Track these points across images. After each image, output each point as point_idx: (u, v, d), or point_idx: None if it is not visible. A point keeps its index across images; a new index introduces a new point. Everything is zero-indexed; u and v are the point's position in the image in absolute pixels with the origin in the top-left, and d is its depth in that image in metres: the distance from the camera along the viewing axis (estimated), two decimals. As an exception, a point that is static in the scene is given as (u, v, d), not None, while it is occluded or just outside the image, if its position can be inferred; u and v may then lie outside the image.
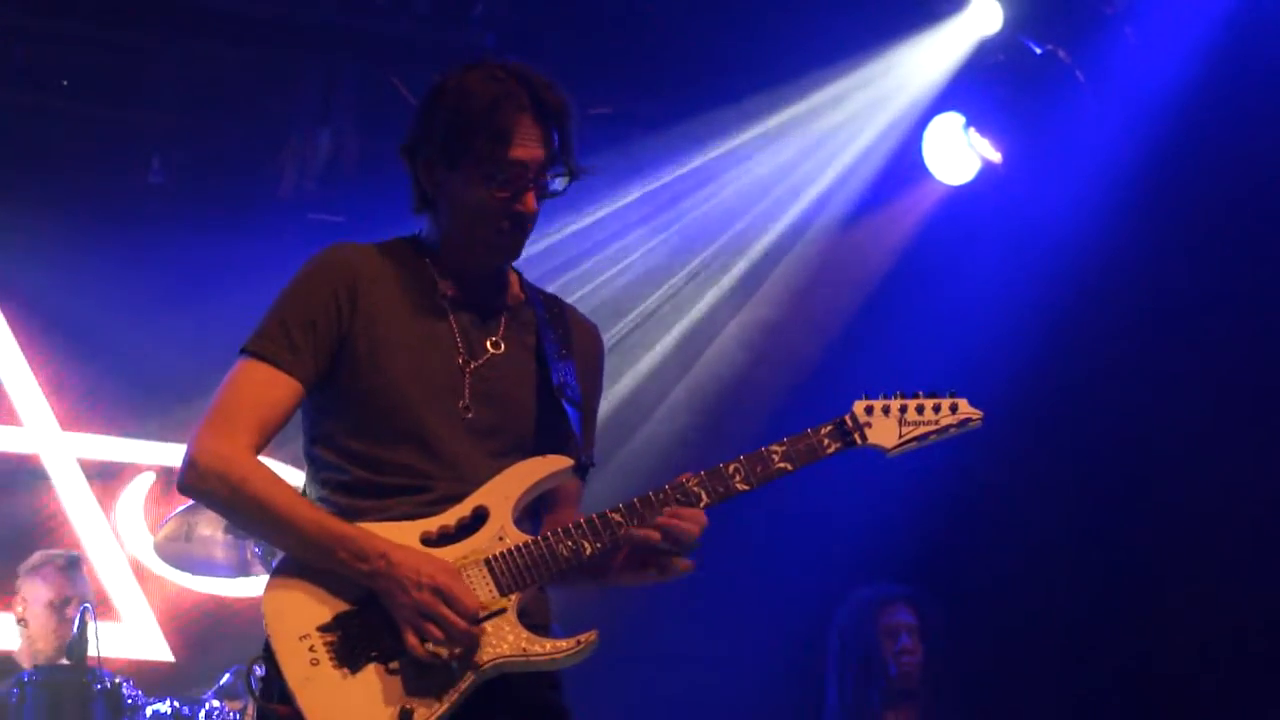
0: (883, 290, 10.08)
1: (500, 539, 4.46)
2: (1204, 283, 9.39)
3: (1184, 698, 9.46)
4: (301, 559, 4.43)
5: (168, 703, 8.30)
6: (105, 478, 9.84)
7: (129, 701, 8.26)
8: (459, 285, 4.63)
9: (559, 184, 4.58)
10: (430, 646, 4.30)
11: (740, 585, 9.60)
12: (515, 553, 4.44)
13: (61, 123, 9.51)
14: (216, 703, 8.17)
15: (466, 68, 4.59)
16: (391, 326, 4.54)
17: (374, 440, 4.49)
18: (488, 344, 4.62)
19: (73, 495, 9.77)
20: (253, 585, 7.96)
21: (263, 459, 4.50)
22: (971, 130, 9.60)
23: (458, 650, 4.32)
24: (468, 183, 4.51)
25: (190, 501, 6.75)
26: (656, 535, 4.47)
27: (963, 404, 4.71)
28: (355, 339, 4.51)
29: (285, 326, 4.50)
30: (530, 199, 4.54)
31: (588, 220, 9.76)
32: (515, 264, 4.75)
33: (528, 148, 4.48)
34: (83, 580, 8.70)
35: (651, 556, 4.56)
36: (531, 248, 4.75)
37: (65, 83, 9.44)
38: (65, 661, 8.38)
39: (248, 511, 4.47)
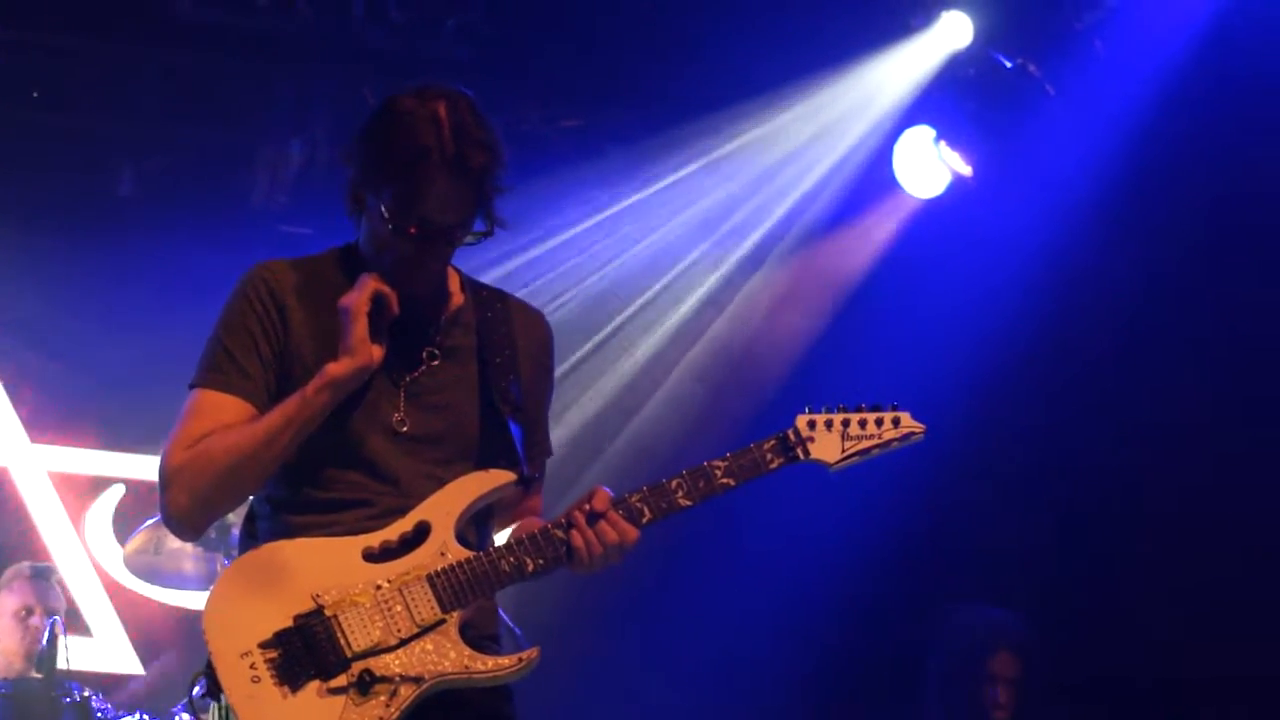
0: (854, 304, 10.10)
1: (442, 555, 4.45)
2: (1173, 294, 9.43)
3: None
4: (291, 444, 4.44)
5: (137, 716, 8.28)
6: (75, 490, 9.80)
7: (98, 715, 8.24)
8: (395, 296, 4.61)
9: (472, 239, 4.57)
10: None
11: (723, 590, 9.61)
12: (457, 568, 4.44)
13: (31, 133, 9.46)
14: (186, 716, 8.14)
15: (413, 95, 4.51)
16: (320, 344, 4.50)
17: (315, 459, 4.48)
18: (424, 355, 4.61)
19: (42, 508, 9.73)
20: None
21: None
22: (942, 143, 9.61)
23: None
24: (380, 218, 4.49)
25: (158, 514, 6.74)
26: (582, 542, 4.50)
27: (905, 417, 4.72)
28: (288, 359, 4.50)
29: (230, 353, 4.50)
30: (432, 257, 4.54)
31: (559, 238, 9.74)
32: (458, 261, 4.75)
33: (438, 207, 4.44)
34: (53, 591, 8.68)
35: None
36: (498, 262, 4.75)
37: (35, 94, 9.40)
38: (35, 674, 8.35)
39: (220, 458, 4.44)
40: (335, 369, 4.40)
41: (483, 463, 4.56)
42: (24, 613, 8.53)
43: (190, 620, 9.23)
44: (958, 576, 9.92)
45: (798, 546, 9.58)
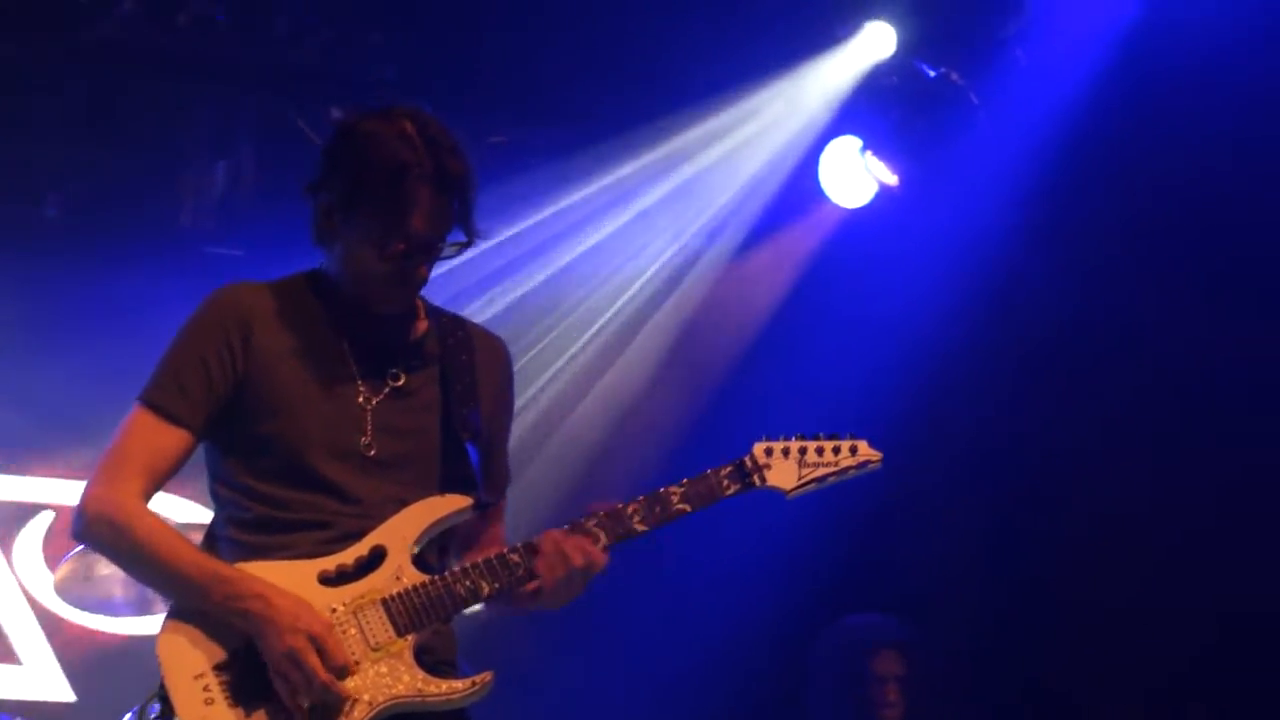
0: (781, 315, 10.11)
1: (398, 579, 4.47)
2: (1099, 301, 9.50)
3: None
4: (183, 603, 4.42)
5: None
6: (1, 518, 9.72)
7: (30, 745, 8.18)
8: (359, 321, 4.62)
9: (452, 250, 4.58)
10: (294, 697, 4.29)
11: (667, 611, 9.61)
12: (412, 593, 4.46)
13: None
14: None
15: (376, 116, 4.56)
16: (288, 368, 4.53)
17: (275, 480, 4.49)
18: (389, 379, 4.61)
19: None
20: (154, 624, 7.88)
21: (172, 496, 4.52)
22: (868, 153, 9.64)
23: (321, 702, 4.30)
24: (362, 240, 4.51)
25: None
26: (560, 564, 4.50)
27: (862, 445, 4.78)
28: (251, 383, 4.52)
29: (177, 374, 4.52)
30: (420, 270, 4.55)
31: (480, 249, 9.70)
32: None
33: (424, 221, 4.47)
34: None
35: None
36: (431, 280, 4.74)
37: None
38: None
39: (132, 555, 4.53)
40: (273, 608, 4.34)
41: (444, 488, 4.58)
42: None
43: (121, 645, 9.19)
44: (880, 590, 9.93)
45: (724, 565, 9.57)
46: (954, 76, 9.35)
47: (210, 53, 9.34)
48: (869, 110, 9.57)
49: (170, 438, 4.51)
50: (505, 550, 4.55)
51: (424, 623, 4.46)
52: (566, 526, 4.58)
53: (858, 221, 9.87)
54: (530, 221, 9.76)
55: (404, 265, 4.51)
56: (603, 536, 4.56)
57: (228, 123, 9.76)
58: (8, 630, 9.47)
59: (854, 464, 4.77)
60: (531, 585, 4.55)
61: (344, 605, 4.42)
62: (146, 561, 4.50)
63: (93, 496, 4.51)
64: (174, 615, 4.47)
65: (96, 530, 4.51)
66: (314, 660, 4.30)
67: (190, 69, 9.42)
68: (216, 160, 9.78)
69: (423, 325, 4.74)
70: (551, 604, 4.59)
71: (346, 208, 4.53)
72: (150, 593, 7.57)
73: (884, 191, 9.70)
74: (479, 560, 4.52)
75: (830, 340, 9.64)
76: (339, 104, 9.38)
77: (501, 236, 9.57)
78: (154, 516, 4.50)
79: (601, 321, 10.21)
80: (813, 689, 9.06)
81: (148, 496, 4.52)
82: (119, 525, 4.46)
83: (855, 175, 9.72)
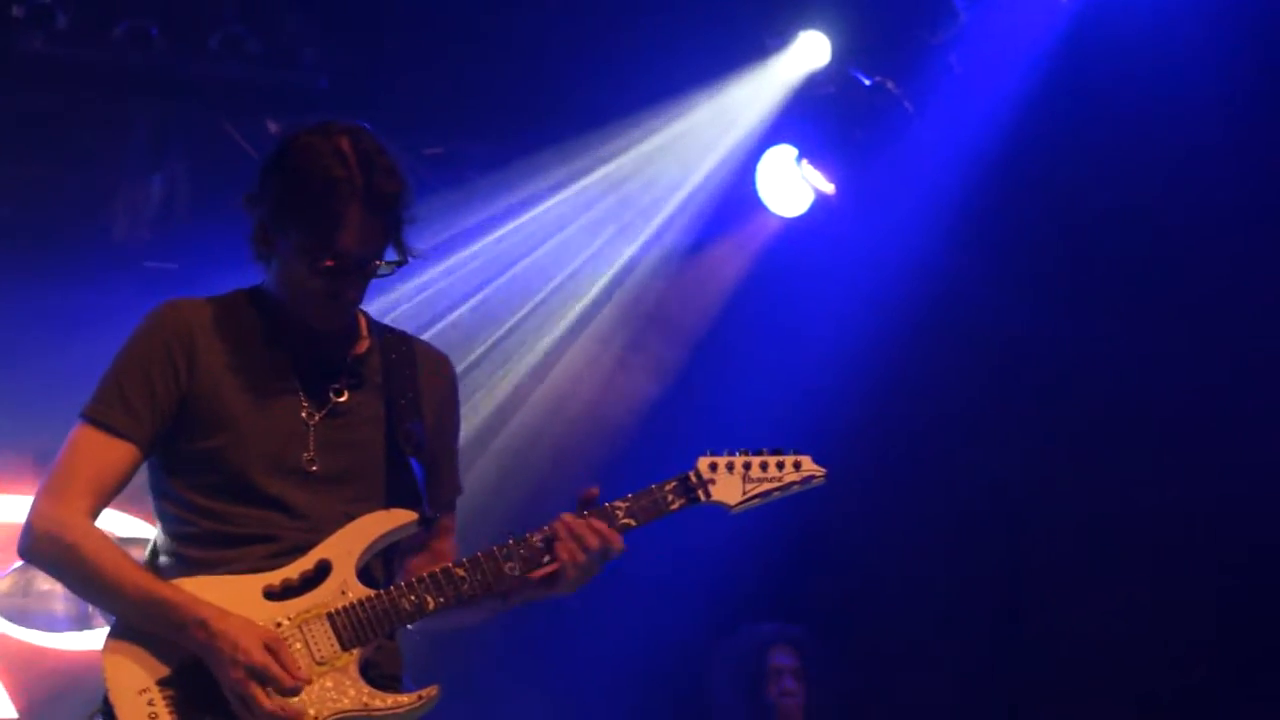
0: (720, 325, 10.13)
1: (343, 593, 4.47)
2: (1036, 306, 9.55)
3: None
4: (128, 624, 4.41)
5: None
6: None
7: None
8: (300, 338, 4.61)
9: (386, 269, 4.57)
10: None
11: (609, 624, 9.60)
12: (358, 607, 4.45)
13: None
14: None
15: (312, 132, 4.55)
16: (231, 384, 4.52)
17: (219, 496, 4.49)
18: (331, 395, 4.61)
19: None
20: (96, 639, 7.86)
21: (118, 512, 4.51)
22: (804, 162, 9.67)
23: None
24: (294, 256, 4.50)
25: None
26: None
27: (806, 461, 4.80)
28: (195, 399, 4.51)
29: (121, 389, 4.51)
30: (349, 288, 4.54)
31: (425, 269, 9.70)
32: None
33: (354, 238, 4.47)
34: None
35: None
36: (368, 293, 4.74)
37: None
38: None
39: (76, 575, 4.51)
40: (216, 636, 4.33)
41: (389, 503, 4.57)
42: None
43: (62, 660, 9.15)
44: (814, 600, 9.97)
45: (663, 578, 9.57)
46: (889, 85, 9.39)
47: (144, 66, 9.29)
48: (805, 119, 9.59)
49: (116, 453, 4.50)
50: (451, 564, 4.54)
51: (369, 637, 4.45)
52: (510, 542, 4.58)
53: (795, 230, 9.89)
54: (465, 232, 9.75)
55: (335, 282, 4.50)
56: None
57: (162, 136, 9.72)
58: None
59: (798, 479, 4.79)
60: (541, 571, 4.57)
61: (289, 620, 4.41)
62: (91, 582, 4.48)
63: (39, 514, 4.49)
64: (118, 630, 4.45)
65: (43, 548, 4.49)
66: (258, 694, 4.29)
67: (122, 83, 9.37)
68: (152, 174, 9.74)
69: (365, 342, 4.73)
70: (568, 588, 4.61)
71: (279, 223, 4.52)
72: (91, 609, 7.57)
73: (821, 200, 9.72)
74: (424, 574, 4.52)
75: (770, 348, 9.68)
76: (274, 117, 9.39)
77: (437, 245, 9.56)
78: (100, 535, 4.48)
79: (540, 332, 10.21)
80: (714, 688, 9.15)
81: (95, 514, 4.50)
82: (65, 544, 4.44)
83: (792, 184, 9.74)
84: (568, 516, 4.58)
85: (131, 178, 9.77)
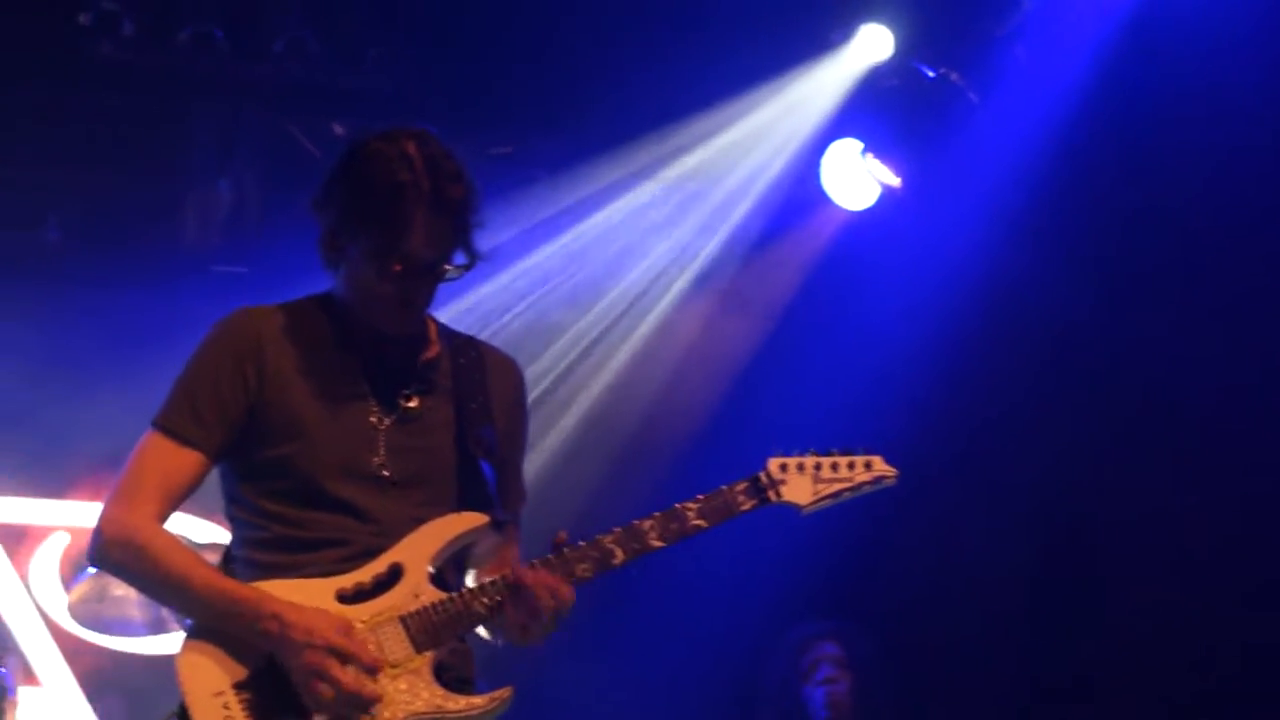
0: (786, 320, 10.11)
1: (416, 596, 4.48)
2: (1105, 298, 9.49)
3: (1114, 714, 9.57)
4: (202, 624, 4.45)
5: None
6: (16, 540, 9.73)
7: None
8: (370, 343, 4.63)
9: (454, 272, 4.58)
10: (323, 705, 4.31)
11: (666, 628, 9.60)
12: (430, 610, 4.47)
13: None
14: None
15: (380, 137, 4.57)
16: (301, 390, 4.55)
17: (289, 502, 4.51)
18: (401, 400, 4.63)
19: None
20: (171, 643, 7.91)
21: (193, 518, 4.54)
22: (869, 156, 9.65)
23: (352, 709, 4.32)
24: (363, 261, 4.52)
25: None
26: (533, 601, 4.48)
27: (877, 461, 4.80)
28: (265, 407, 4.54)
29: (191, 398, 4.54)
30: (418, 292, 4.56)
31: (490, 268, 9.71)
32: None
33: (421, 242, 4.49)
34: (13, 663, 8.61)
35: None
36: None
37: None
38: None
39: (147, 577, 4.55)
40: (288, 626, 4.36)
41: (461, 507, 4.58)
42: None
43: (137, 665, 9.21)
44: (877, 598, 9.94)
45: (732, 578, 9.56)
46: (953, 76, 9.36)
47: (209, 70, 9.35)
48: (869, 113, 9.58)
49: (184, 461, 4.53)
50: (524, 569, 4.55)
51: (442, 640, 4.46)
52: (538, 560, 4.57)
53: (861, 224, 9.87)
54: (533, 231, 9.77)
55: (404, 286, 4.52)
56: (619, 553, 4.57)
57: (229, 140, 9.77)
58: (27, 652, 9.48)
59: (869, 479, 4.79)
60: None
61: (362, 623, 4.43)
62: (162, 583, 4.52)
63: (108, 519, 4.53)
64: (193, 634, 4.48)
65: (112, 553, 4.53)
66: (336, 670, 4.31)
67: (189, 88, 9.43)
68: (219, 178, 9.79)
69: (435, 347, 4.74)
70: (517, 640, 4.57)
71: (347, 228, 4.55)
72: (165, 612, 7.62)
73: (887, 193, 9.70)
74: (496, 578, 4.53)
75: (836, 341, 9.64)
76: (339, 119, 9.43)
77: (504, 245, 9.57)
78: (169, 538, 4.52)
79: (608, 330, 10.22)
80: (761, 682, 9.17)
81: (163, 519, 4.55)
82: (135, 548, 4.48)
83: (857, 178, 9.72)
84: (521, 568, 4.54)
85: (199, 182, 9.82)
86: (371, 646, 4.40)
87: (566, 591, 4.50)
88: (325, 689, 4.31)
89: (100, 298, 9.49)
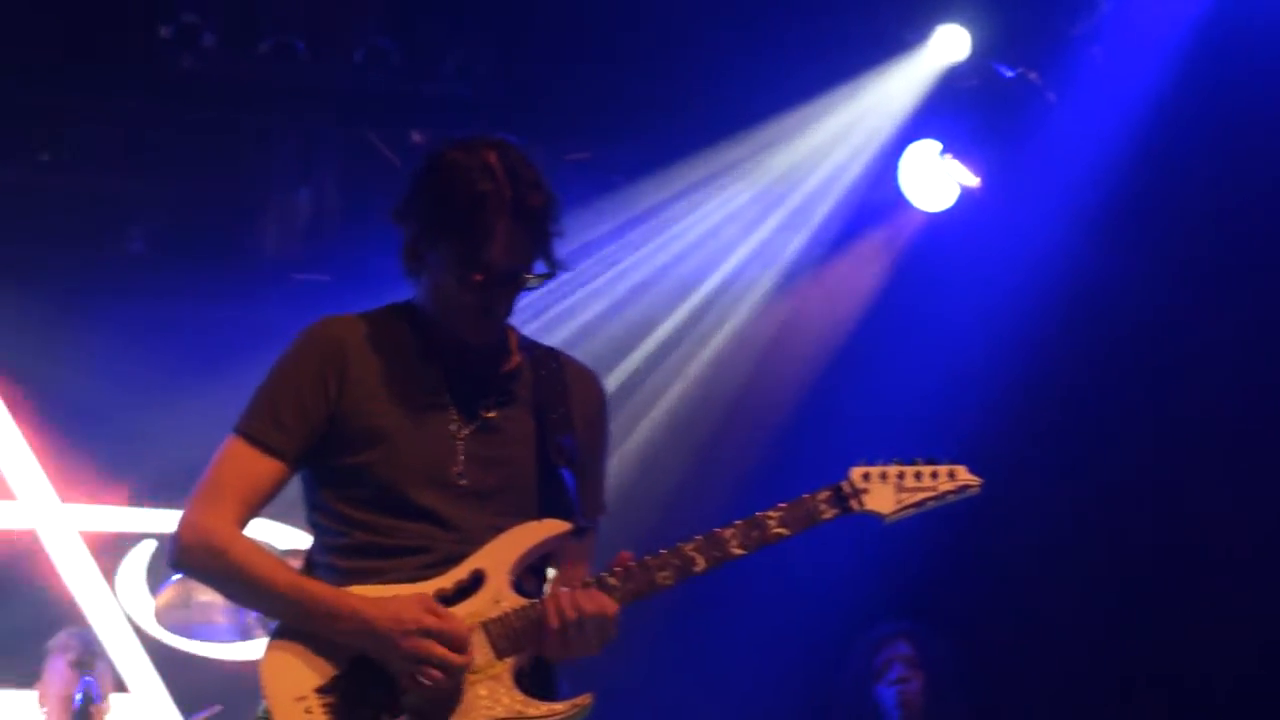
0: (866, 322, 10.10)
1: (497, 602, 4.49)
2: (1184, 295, 9.44)
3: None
4: (285, 626, 4.49)
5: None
6: (104, 548, 9.83)
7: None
8: (452, 353, 4.65)
9: (534, 282, 4.61)
10: (433, 684, 4.34)
11: (744, 634, 9.61)
12: (512, 616, 4.48)
13: (40, 196, 9.49)
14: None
15: (460, 146, 4.58)
16: (383, 399, 4.57)
17: (370, 509, 4.53)
18: (482, 410, 4.64)
19: (74, 568, 9.75)
20: (256, 649, 7.96)
21: (275, 523, 4.57)
22: (948, 156, 9.64)
23: (456, 680, 4.35)
24: (444, 270, 4.53)
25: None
26: (554, 616, 4.48)
27: (961, 470, 4.77)
28: (346, 415, 4.55)
29: (273, 405, 4.56)
30: (499, 301, 4.58)
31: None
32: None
33: (502, 251, 4.48)
34: (99, 673, 8.68)
35: None
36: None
37: (44, 156, 9.43)
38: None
39: (229, 581, 4.57)
40: (373, 620, 4.40)
41: (540, 514, 4.60)
42: (69, 699, 8.50)
43: (227, 671, 9.28)
44: (963, 597, 9.91)
45: (806, 587, 9.56)
46: (1031, 75, 9.34)
47: (288, 80, 9.41)
48: (947, 113, 9.57)
49: (264, 468, 4.56)
50: (602, 573, 4.55)
51: (522, 646, 4.48)
52: (663, 552, 4.59)
53: (941, 225, 9.85)
54: (609, 237, 9.79)
55: (485, 295, 4.53)
56: (700, 561, 4.57)
57: (309, 150, 9.84)
58: (115, 659, 9.58)
59: (953, 488, 4.75)
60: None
61: (444, 623, 4.47)
62: (244, 586, 4.55)
63: (188, 524, 4.54)
64: (276, 637, 4.51)
65: (193, 557, 4.56)
66: (437, 649, 4.36)
67: (268, 99, 9.51)
68: (300, 188, 9.86)
69: (516, 358, 4.75)
70: (558, 655, 4.55)
71: (429, 238, 4.55)
72: (250, 617, 7.66)
73: (966, 194, 9.69)
74: (577, 585, 4.54)
75: (915, 343, 9.62)
76: (418, 127, 9.48)
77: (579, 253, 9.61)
78: (249, 542, 4.54)
79: (687, 335, 10.23)
80: (835, 684, 9.18)
81: (243, 524, 4.56)
82: (215, 551, 4.50)
83: (936, 179, 9.71)
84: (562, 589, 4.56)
85: (280, 191, 9.89)
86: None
87: (609, 619, 4.50)
88: (434, 672, 4.36)
89: (184, 308, 9.58)
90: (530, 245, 4.54)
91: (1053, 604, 9.89)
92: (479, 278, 4.49)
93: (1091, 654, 9.84)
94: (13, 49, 8.90)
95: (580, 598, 4.48)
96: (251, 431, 4.57)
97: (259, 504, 4.59)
